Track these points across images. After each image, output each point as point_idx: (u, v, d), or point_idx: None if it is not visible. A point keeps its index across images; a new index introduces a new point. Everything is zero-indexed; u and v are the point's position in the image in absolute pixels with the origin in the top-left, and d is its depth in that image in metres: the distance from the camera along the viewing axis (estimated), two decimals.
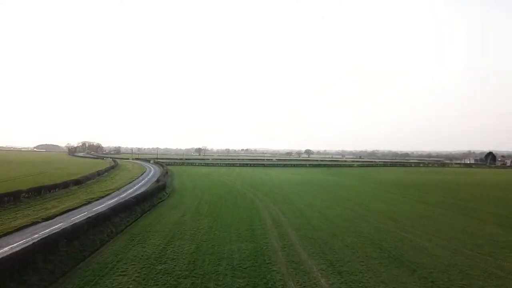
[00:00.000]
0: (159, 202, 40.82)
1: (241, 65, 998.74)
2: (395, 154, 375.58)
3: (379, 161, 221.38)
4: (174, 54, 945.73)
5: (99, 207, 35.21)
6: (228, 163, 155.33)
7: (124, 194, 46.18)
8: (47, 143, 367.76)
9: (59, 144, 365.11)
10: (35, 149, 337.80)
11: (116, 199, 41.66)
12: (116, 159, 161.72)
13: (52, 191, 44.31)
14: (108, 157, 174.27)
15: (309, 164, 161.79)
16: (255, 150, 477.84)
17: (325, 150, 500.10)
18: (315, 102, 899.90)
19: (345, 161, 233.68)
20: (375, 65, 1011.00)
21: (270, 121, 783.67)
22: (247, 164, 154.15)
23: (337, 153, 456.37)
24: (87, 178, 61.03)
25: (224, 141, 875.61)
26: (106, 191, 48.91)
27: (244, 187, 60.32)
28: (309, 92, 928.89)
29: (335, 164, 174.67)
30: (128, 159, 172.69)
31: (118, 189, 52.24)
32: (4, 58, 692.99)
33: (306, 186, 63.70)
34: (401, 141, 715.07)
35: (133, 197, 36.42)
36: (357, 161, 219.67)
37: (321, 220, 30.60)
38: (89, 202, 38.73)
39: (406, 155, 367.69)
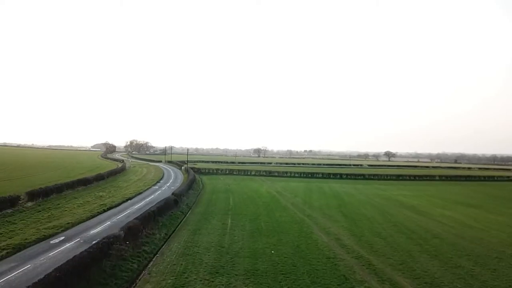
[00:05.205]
0: None
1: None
2: (494, 158, 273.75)
3: None
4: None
5: None
6: (301, 172, 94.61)
7: None
8: (105, 142, 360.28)
9: (117, 144, 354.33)
10: (91, 149, 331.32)
11: None
12: (138, 161, 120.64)
13: None
14: (131, 159, 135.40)
15: (438, 177, 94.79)
16: (319, 151, 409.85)
17: (397, 152, 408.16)
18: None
19: (468, 168, 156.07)
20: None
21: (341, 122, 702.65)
22: (334, 175, 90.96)
23: (411, 156, 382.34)
24: None
25: (285, 142, 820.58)
26: None
27: None
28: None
29: (465, 176, 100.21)
30: (161, 161, 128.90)
31: None
32: (73, 66, 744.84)
33: None
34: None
35: None
36: (491, 168, 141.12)
37: None
38: None
39: (508, 159, 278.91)
